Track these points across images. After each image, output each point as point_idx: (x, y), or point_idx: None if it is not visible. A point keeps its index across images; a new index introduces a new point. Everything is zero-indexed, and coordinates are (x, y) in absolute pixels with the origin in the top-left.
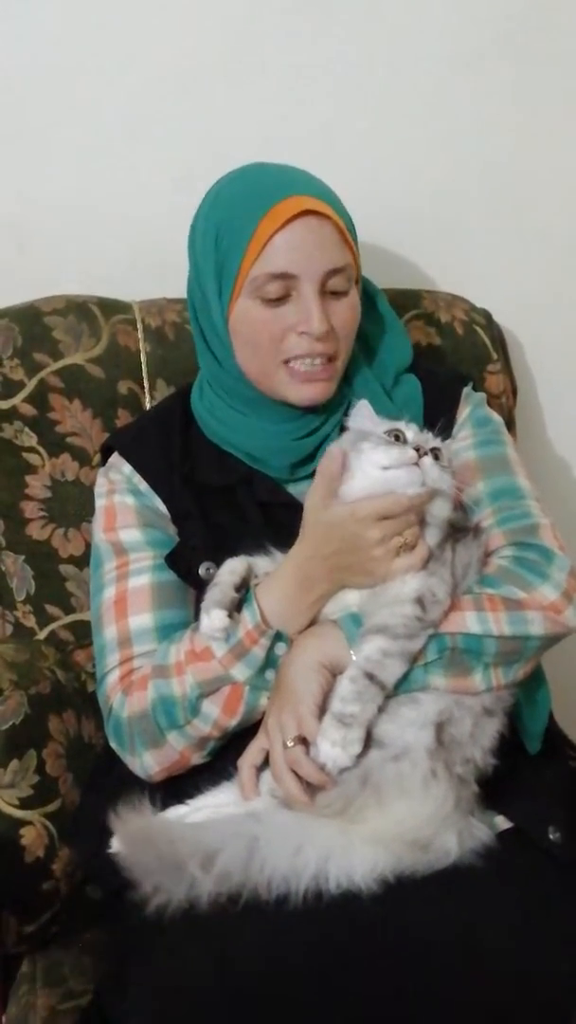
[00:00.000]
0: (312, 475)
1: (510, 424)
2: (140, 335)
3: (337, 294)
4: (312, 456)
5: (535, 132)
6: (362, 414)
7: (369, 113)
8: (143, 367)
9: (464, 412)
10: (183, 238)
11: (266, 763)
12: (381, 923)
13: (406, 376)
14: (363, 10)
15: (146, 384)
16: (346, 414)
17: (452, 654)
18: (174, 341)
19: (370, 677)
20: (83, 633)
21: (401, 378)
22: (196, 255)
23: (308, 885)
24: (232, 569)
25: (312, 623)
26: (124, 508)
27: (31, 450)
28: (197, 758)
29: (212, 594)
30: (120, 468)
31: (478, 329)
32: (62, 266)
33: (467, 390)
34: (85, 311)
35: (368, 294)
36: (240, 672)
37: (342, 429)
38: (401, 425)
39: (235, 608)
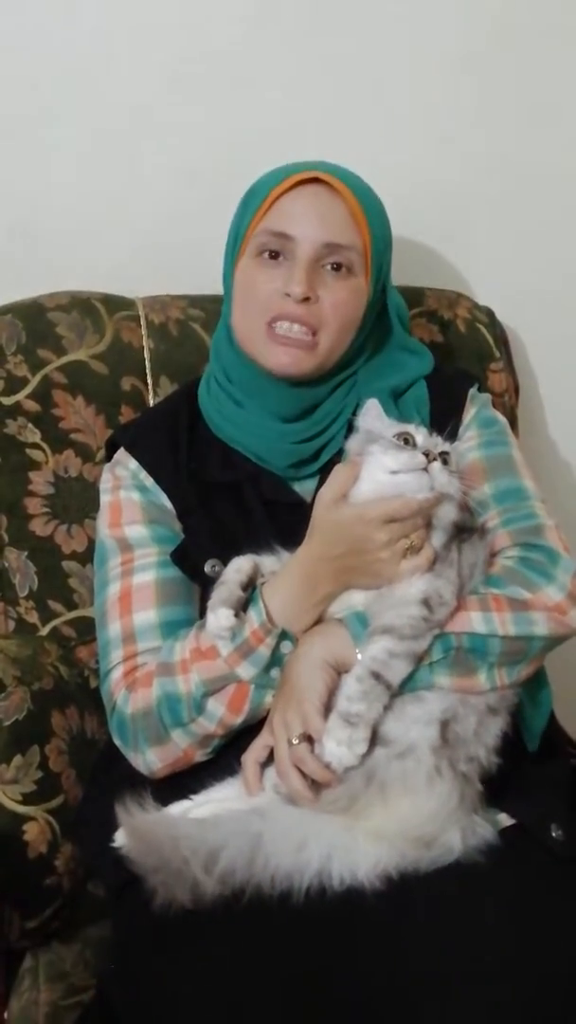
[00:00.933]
0: (317, 473)
1: (512, 422)
2: (144, 331)
3: (337, 271)
4: (316, 456)
5: (538, 129)
6: (371, 413)
7: (372, 110)
8: (146, 363)
9: (470, 413)
10: (187, 235)
11: (270, 760)
12: (384, 919)
13: None
14: (366, 7)
15: (149, 380)
16: (354, 415)
17: (457, 654)
18: (177, 337)
19: (376, 676)
20: (86, 629)
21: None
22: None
23: (311, 882)
24: (239, 568)
25: (317, 622)
26: (130, 504)
27: (35, 446)
28: (200, 755)
29: (219, 593)
30: (126, 464)
31: (481, 327)
32: (66, 262)
33: (473, 391)
34: (89, 307)
35: (398, 312)
36: (245, 671)
37: (350, 429)
38: (411, 428)
39: (241, 607)
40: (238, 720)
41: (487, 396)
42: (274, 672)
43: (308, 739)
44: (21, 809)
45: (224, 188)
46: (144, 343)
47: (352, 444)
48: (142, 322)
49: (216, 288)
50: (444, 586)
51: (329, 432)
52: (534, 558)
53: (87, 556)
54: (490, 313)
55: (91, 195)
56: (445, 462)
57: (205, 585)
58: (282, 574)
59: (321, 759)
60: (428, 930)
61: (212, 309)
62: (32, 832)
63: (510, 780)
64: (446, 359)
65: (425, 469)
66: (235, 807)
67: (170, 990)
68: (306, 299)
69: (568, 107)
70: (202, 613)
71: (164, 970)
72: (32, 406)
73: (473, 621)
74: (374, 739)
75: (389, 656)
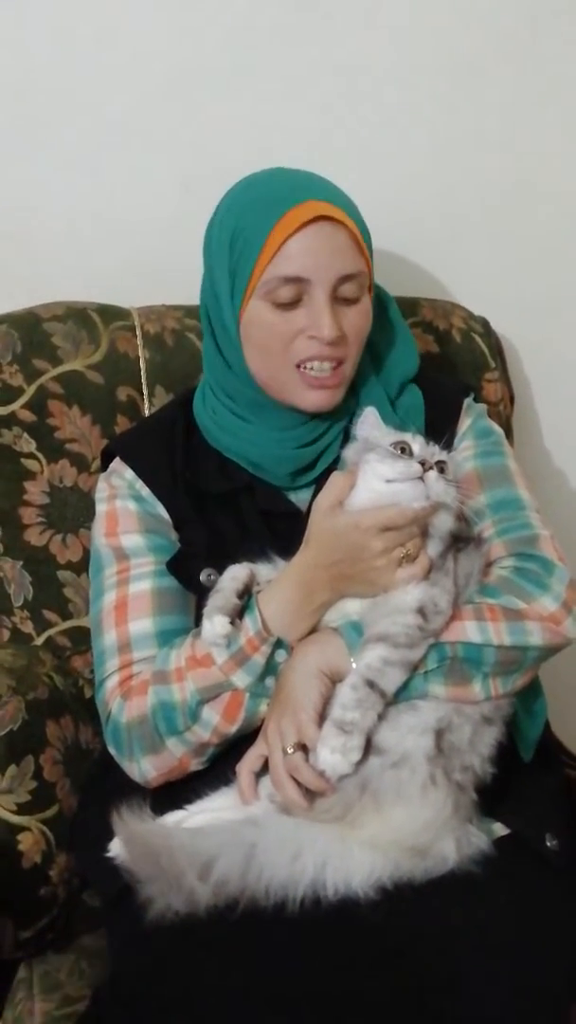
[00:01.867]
0: (313, 483)
1: (508, 431)
2: (139, 342)
3: (349, 300)
4: (313, 465)
5: (533, 140)
6: (369, 422)
7: (367, 120)
8: (142, 373)
9: (465, 423)
10: (182, 245)
11: (265, 769)
12: (379, 930)
13: (409, 386)
14: (362, 17)
15: (145, 391)
16: (351, 423)
17: (452, 663)
18: (173, 348)
19: (371, 685)
20: (81, 639)
21: (404, 388)
22: (211, 257)
23: (306, 892)
24: (235, 575)
25: (313, 631)
26: (126, 513)
27: (30, 456)
28: (196, 764)
29: (215, 600)
30: (122, 473)
31: (476, 337)
32: (61, 272)
33: (468, 401)
34: (84, 317)
35: (380, 301)
36: (240, 679)
37: (347, 437)
38: (408, 437)
39: (237, 615)
40: (232, 729)
41: (483, 407)
42: (269, 681)
43: (303, 748)
44: (15, 819)
45: (220, 198)
46: (140, 353)
47: (349, 453)
48: (137, 332)
49: None
50: (440, 595)
51: (328, 436)
52: (529, 568)
53: (82, 566)
54: (485, 323)
55: (86, 205)
56: (442, 471)
57: (201, 594)
58: (278, 581)
59: (315, 768)
60: (423, 940)
61: None
62: (26, 842)
63: (505, 789)
64: (442, 369)
65: (421, 478)
66: (229, 816)
67: (165, 1000)
68: (336, 339)
69: (564, 118)
70: (197, 622)
71: (158, 980)
72: (27, 416)
73: (468, 631)
74: (368, 748)
75: (384, 664)
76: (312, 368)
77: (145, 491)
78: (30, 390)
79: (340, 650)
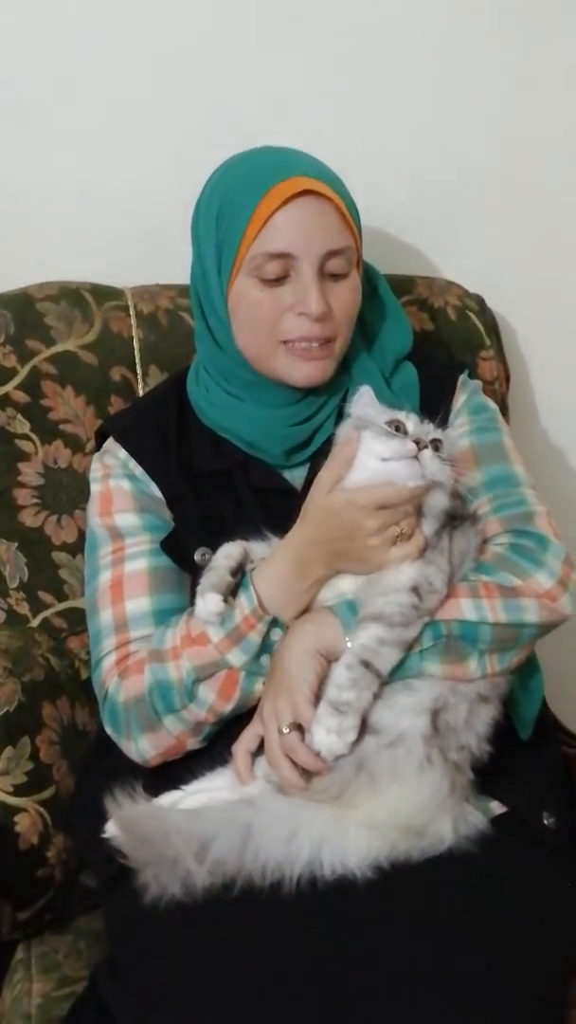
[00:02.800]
0: (307, 461)
1: (503, 410)
2: (133, 321)
3: (337, 276)
4: (307, 442)
5: (529, 118)
6: (364, 400)
7: (364, 99)
8: (136, 353)
9: (460, 399)
10: (176, 224)
11: (261, 749)
12: (375, 909)
13: (404, 363)
14: None
15: (139, 370)
16: (344, 400)
17: (447, 641)
18: (167, 327)
19: (366, 664)
20: (76, 620)
21: (399, 365)
22: (198, 235)
23: (302, 872)
24: (228, 553)
25: (307, 610)
26: (120, 493)
27: (24, 437)
28: (193, 743)
29: (208, 578)
30: (116, 453)
31: (471, 315)
32: (55, 252)
33: (463, 377)
34: (78, 297)
35: (369, 279)
36: (236, 658)
37: (340, 415)
38: (402, 416)
39: (230, 592)
40: (228, 707)
41: (478, 383)
42: (264, 659)
43: (298, 728)
44: (12, 800)
45: None
46: (133, 333)
47: (342, 431)
48: (131, 312)
49: None
50: (434, 574)
51: (323, 413)
52: (525, 545)
53: (77, 547)
54: (480, 301)
55: (80, 185)
56: (437, 449)
57: (195, 573)
58: (271, 559)
59: (311, 748)
60: (420, 919)
61: None
62: (23, 823)
63: (501, 768)
64: (437, 347)
65: (415, 457)
66: (226, 797)
67: (162, 981)
68: (323, 314)
69: (560, 96)
70: (193, 601)
71: (156, 961)
72: (21, 397)
73: (463, 608)
74: (364, 728)
75: (379, 644)
76: (300, 343)
77: (139, 470)
78: (23, 371)
79: (335, 629)
